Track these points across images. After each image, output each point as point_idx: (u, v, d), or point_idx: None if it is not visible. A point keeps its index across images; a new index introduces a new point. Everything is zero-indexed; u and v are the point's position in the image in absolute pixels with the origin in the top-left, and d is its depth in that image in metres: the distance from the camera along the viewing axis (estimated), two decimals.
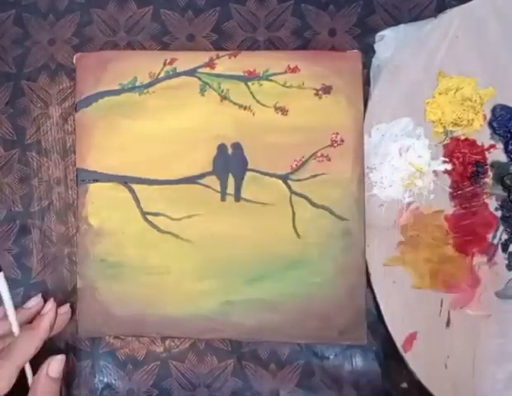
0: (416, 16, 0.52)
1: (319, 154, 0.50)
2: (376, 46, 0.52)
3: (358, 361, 0.51)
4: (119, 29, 0.54)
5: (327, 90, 0.50)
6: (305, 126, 0.50)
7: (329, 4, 0.53)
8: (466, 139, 0.51)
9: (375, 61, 0.52)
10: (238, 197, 0.50)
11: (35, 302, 0.50)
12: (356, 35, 0.53)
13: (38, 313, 0.49)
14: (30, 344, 0.46)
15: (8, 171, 0.53)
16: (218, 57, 0.50)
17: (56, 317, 0.49)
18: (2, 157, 0.53)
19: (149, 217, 0.50)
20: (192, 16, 0.54)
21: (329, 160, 0.49)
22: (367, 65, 0.52)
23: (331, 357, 0.51)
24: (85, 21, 0.54)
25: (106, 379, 0.52)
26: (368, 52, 0.52)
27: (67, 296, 0.51)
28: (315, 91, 0.50)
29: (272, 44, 0.53)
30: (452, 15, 0.51)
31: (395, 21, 0.52)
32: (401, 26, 0.52)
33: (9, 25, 0.54)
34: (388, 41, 0.52)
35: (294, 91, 0.50)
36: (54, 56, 0.53)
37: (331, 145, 0.50)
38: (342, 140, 0.49)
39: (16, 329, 0.46)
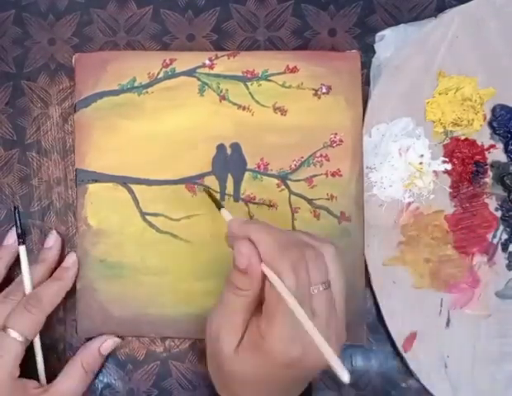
0: (416, 16, 0.52)
1: (318, 154, 0.50)
2: (376, 46, 0.52)
3: (358, 361, 0.51)
4: (119, 29, 0.54)
5: (326, 90, 0.50)
6: (304, 126, 0.50)
7: (329, 4, 0.53)
8: (466, 139, 0.50)
9: (375, 61, 0.52)
10: (237, 197, 0.50)
11: (53, 240, 0.51)
12: (356, 35, 0.53)
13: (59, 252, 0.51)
14: (57, 294, 0.49)
15: (8, 171, 0.53)
16: (217, 57, 0.50)
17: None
18: (2, 157, 0.53)
19: (148, 217, 0.50)
20: (192, 16, 0.53)
21: (328, 160, 0.49)
22: (367, 65, 0.52)
23: None
24: (85, 21, 0.54)
25: (106, 379, 0.52)
26: (368, 52, 0.52)
27: (66, 296, 0.51)
28: (313, 92, 0.50)
29: (273, 44, 0.53)
30: (452, 15, 0.51)
31: (395, 21, 0.52)
32: (401, 26, 0.52)
33: (9, 26, 0.54)
34: (388, 41, 0.52)
35: (293, 91, 0.50)
36: (54, 56, 0.53)
37: (330, 145, 0.50)
38: (341, 140, 0.49)
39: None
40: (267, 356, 0.37)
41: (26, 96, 0.53)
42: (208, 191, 0.48)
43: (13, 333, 0.45)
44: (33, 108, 0.53)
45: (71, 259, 0.50)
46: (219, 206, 0.45)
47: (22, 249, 0.48)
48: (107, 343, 0.50)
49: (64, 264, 0.50)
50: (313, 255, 0.38)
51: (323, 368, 0.37)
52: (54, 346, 0.50)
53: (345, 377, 0.32)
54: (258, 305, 0.40)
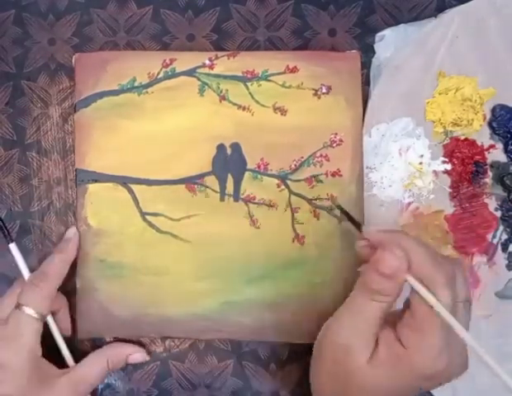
0: (416, 16, 0.52)
1: (318, 155, 0.50)
2: (376, 46, 0.52)
3: None
4: (119, 29, 0.54)
5: (326, 90, 0.50)
6: (304, 126, 0.50)
7: (329, 4, 0.53)
8: (466, 139, 0.51)
9: (375, 61, 0.52)
10: (237, 197, 0.50)
11: (72, 233, 0.51)
12: (356, 35, 0.53)
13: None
14: (61, 266, 0.48)
15: (8, 171, 0.53)
16: (217, 57, 0.50)
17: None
18: (2, 157, 0.53)
19: (148, 217, 0.50)
20: (192, 16, 0.53)
21: (328, 160, 0.49)
22: (367, 65, 0.52)
23: None
24: (85, 21, 0.54)
25: (106, 379, 0.52)
26: (368, 52, 0.52)
27: (66, 296, 0.51)
28: (313, 92, 0.50)
29: (273, 44, 0.53)
30: (452, 15, 0.51)
31: (395, 21, 0.52)
32: (401, 26, 0.52)
33: (9, 26, 0.54)
34: (388, 41, 0.52)
35: (293, 91, 0.50)
36: (54, 56, 0.53)
37: (330, 145, 0.50)
38: (341, 141, 0.49)
39: None
40: (408, 368, 0.37)
41: (26, 96, 0.53)
42: (342, 209, 0.48)
43: (28, 310, 0.45)
44: (33, 108, 0.53)
45: (71, 231, 0.50)
46: (358, 226, 0.44)
47: (13, 246, 0.49)
48: (137, 355, 0.50)
49: (64, 237, 0.50)
50: (461, 271, 0.39)
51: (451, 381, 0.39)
52: (54, 345, 0.50)
53: None
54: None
